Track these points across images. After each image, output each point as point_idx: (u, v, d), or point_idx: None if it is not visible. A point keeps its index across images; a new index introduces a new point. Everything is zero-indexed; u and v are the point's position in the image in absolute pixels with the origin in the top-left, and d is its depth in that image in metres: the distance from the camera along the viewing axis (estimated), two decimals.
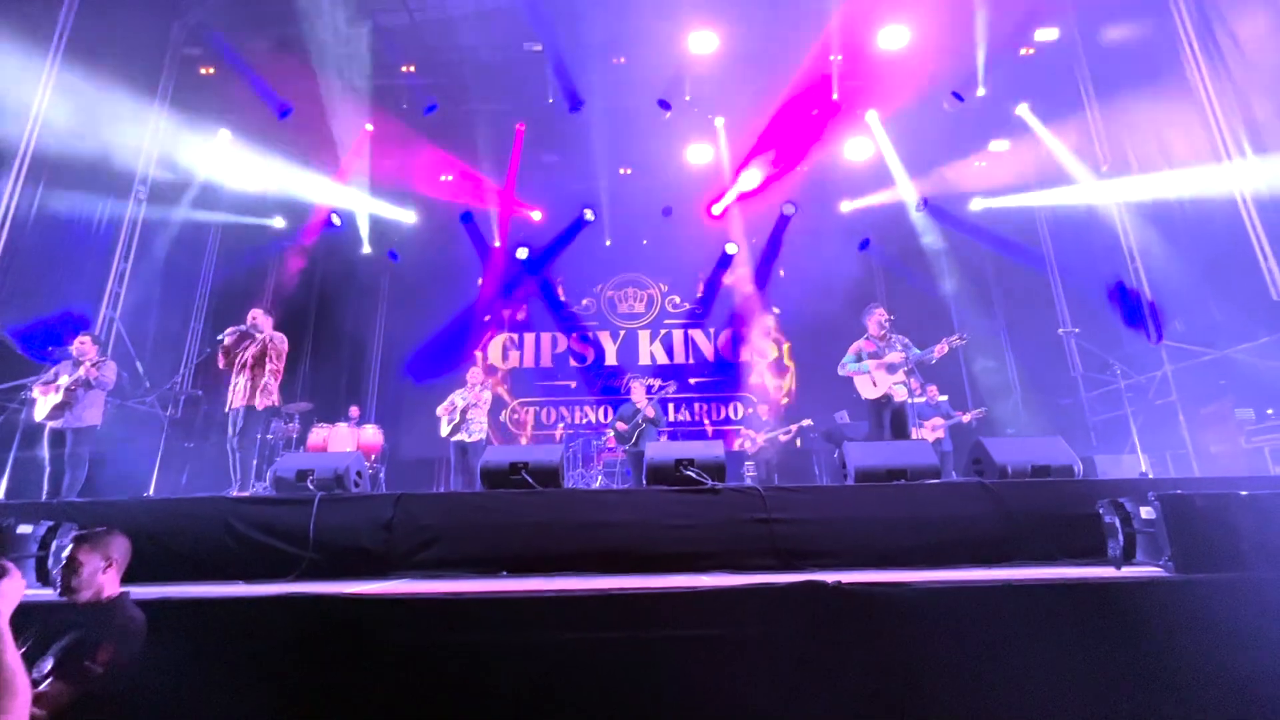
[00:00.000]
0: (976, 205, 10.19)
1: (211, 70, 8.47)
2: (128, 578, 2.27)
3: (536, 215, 11.04)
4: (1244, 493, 2.46)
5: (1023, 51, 8.44)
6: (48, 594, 2.21)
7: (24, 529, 2.97)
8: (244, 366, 5.44)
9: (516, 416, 11.00)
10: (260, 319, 5.57)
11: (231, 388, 5.42)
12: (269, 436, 7.23)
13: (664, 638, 2.25)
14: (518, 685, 2.21)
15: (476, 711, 2.22)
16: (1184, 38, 6.41)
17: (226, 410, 5.42)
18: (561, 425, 10.68)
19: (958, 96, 8.68)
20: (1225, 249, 6.14)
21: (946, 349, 5.33)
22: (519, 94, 9.10)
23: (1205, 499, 2.45)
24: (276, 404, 5.60)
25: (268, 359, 5.50)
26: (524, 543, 3.33)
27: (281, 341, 5.65)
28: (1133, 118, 7.44)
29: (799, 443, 9.65)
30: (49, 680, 1.84)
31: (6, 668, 1.42)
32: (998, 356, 10.11)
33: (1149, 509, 2.58)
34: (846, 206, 10.86)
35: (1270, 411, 5.81)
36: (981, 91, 8.51)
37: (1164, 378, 7.05)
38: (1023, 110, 8.93)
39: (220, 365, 5.51)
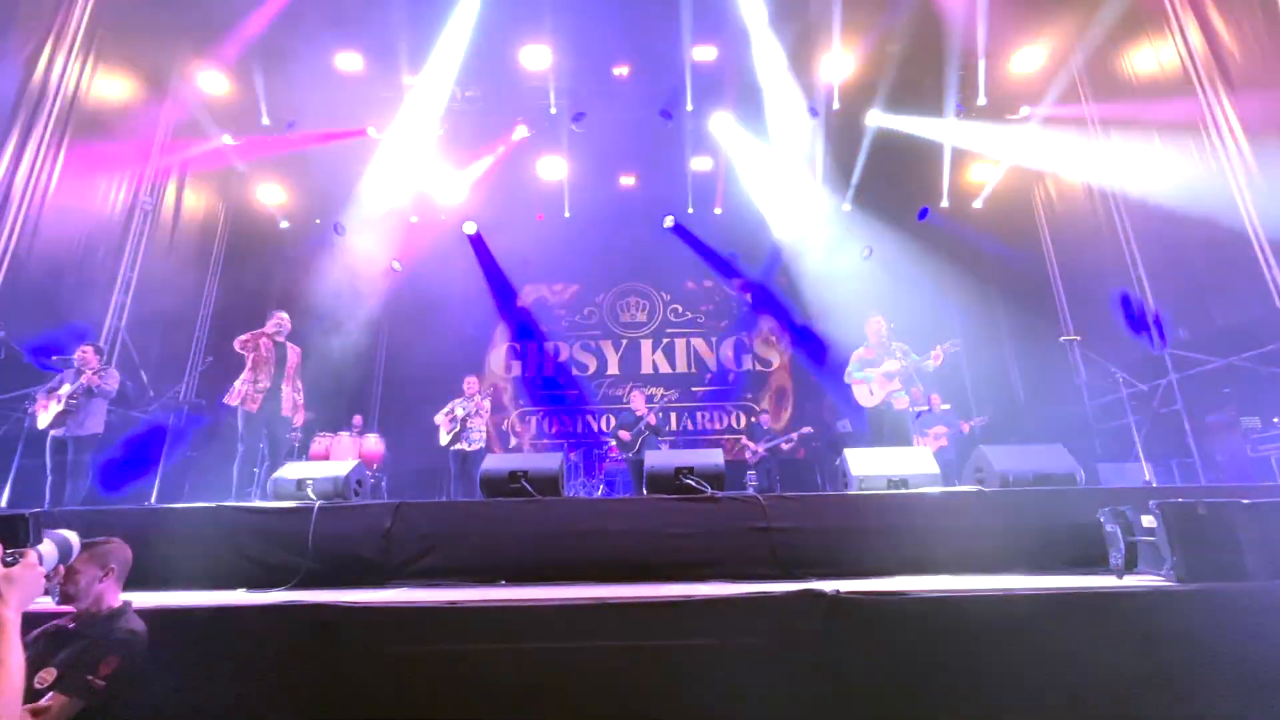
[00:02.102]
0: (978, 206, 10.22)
1: (217, 79, 8.57)
2: (127, 587, 2.25)
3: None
4: (1246, 501, 2.43)
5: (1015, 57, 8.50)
6: (48, 604, 2.19)
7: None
8: (286, 376, 5.51)
9: (517, 426, 10.99)
10: (288, 325, 5.64)
11: (266, 394, 5.45)
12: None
13: (662, 647, 2.23)
14: (516, 695, 2.20)
15: None
16: (1183, 46, 6.44)
17: (254, 415, 5.41)
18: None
19: (959, 107, 8.75)
20: (1229, 256, 6.12)
21: (942, 355, 5.32)
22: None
23: (1207, 507, 2.42)
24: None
25: (298, 369, 5.64)
26: (523, 552, 3.31)
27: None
28: (1134, 122, 7.44)
29: (801, 451, 9.63)
30: (50, 694, 1.80)
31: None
32: (1000, 364, 10.06)
33: (1150, 518, 2.55)
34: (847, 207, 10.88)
35: (1276, 419, 5.76)
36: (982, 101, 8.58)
37: (1168, 386, 7.00)
38: (1020, 114, 8.95)
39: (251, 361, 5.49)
